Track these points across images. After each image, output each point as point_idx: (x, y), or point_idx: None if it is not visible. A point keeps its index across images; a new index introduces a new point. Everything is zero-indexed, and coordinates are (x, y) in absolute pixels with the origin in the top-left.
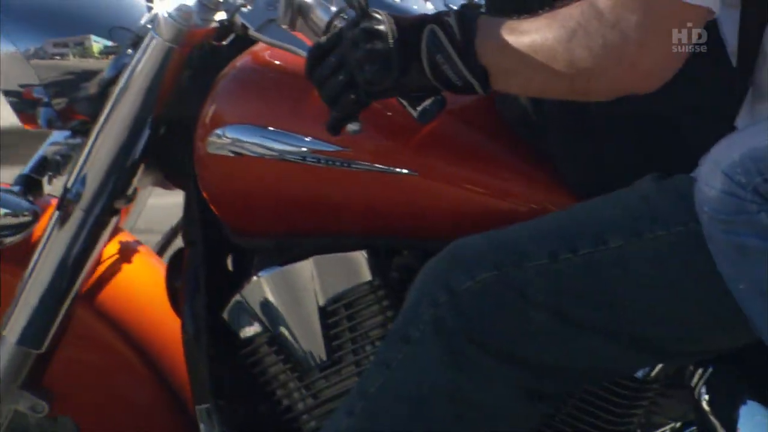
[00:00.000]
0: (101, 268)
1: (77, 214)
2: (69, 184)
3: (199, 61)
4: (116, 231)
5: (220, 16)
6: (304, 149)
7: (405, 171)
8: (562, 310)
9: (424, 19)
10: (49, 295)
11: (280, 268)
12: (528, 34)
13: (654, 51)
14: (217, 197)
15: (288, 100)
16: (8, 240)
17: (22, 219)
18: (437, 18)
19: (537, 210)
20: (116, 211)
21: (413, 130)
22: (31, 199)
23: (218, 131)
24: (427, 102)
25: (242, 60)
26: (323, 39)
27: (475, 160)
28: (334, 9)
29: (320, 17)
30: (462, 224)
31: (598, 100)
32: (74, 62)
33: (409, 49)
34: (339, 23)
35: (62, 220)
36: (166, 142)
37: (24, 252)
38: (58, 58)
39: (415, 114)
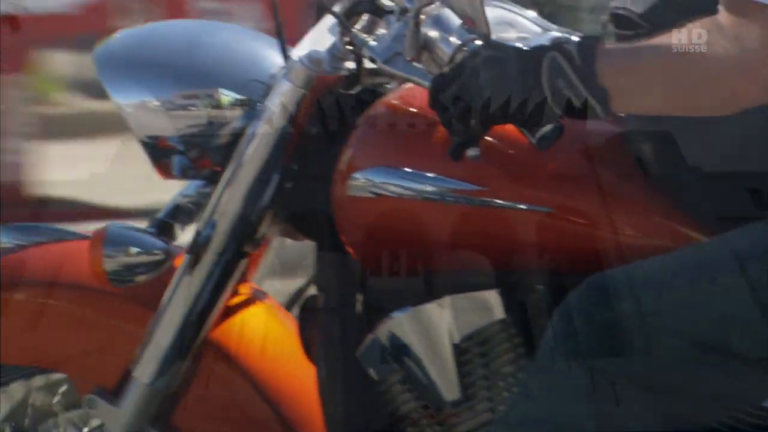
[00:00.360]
0: (229, 313)
1: (208, 258)
2: (200, 229)
3: (329, 109)
4: (241, 281)
5: (349, 65)
6: (442, 188)
7: (542, 208)
8: (700, 338)
9: (544, 47)
10: (180, 336)
11: (413, 308)
12: (648, 53)
13: None
14: (355, 239)
15: (422, 142)
16: (141, 278)
17: (154, 257)
18: (557, 45)
19: (668, 245)
20: (245, 255)
21: (548, 168)
22: (164, 239)
23: (356, 174)
24: (546, 128)
25: (376, 107)
26: (446, 69)
27: (608, 197)
28: (457, 42)
29: (444, 50)
30: (596, 260)
31: (722, 114)
32: (205, 113)
33: (530, 76)
34: (462, 56)
35: (192, 264)
36: (295, 191)
37: (147, 295)
38: (189, 109)
39: (534, 140)
